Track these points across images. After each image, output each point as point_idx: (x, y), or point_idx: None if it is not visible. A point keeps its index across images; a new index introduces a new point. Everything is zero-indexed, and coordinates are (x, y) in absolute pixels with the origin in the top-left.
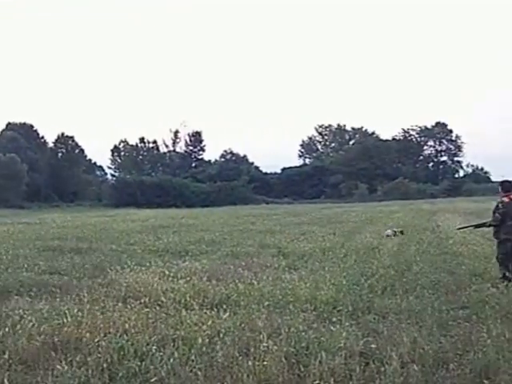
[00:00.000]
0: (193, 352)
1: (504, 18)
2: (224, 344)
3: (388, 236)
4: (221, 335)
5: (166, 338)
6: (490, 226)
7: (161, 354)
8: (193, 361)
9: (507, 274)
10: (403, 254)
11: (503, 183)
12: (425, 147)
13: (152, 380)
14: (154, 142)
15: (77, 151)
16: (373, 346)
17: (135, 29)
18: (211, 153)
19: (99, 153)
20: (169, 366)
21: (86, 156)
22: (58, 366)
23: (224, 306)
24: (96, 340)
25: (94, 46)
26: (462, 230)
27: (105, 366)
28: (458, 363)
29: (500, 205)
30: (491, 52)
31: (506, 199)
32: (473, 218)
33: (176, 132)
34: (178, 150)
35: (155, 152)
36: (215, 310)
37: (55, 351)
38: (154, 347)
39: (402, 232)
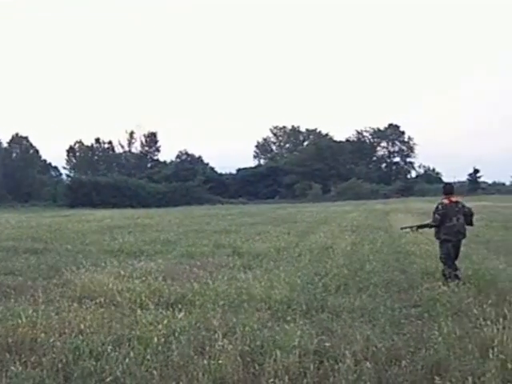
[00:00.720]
0: (148, 351)
1: (449, 24)
2: (179, 343)
3: (403, 228)
4: (176, 334)
5: (122, 338)
6: (431, 226)
7: (116, 353)
8: (148, 360)
9: (456, 272)
10: (356, 254)
11: (445, 186)
12: (378, 148)
13: (107, 380)
14: (110, 142)
15: (31, 151)
16: (327, 344)
17: (89, 29)
18: (166, 153)
19: (54, 153)
20: (124, 366)
21: (40, 156)
22: (12, 367)
23: (179, 306)
24: (51, 340)
25: (50, 46)
26: (412, 230)
27: (60, 366)
28: (410, 360)
29: (440, 206)
30: (444, 53)
31: (445, 201)
32: (425, 217)
33: (131, 133)
34: (133, 150)
35: (110, 153)
36: (170, 309)
37: (9, 352)
38: (110, 347)
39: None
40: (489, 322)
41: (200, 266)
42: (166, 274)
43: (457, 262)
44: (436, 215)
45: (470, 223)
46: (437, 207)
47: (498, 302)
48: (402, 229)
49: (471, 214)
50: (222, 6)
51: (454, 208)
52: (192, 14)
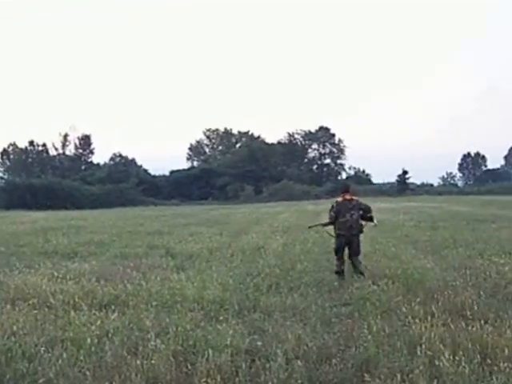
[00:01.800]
0: (81, 352)
1: (377, 25)
2: (113, 344)
3: (310, 227)
4: (109, 335)
5: (55, 339)
6: (331, 223)
7: (49, 355)
8: (81, 361)
9: (341, 268)
10: (288, 254)
11: (342, 186)
12: (309, 150)
13: (40, 381)
14: (44, 145)
15: None
16: (258, 343)
17: (21, 30)
18: (100, 156)
19: None
20: (57, 367)
21: None
22: None
23: (113, 307)
24: None
25: None
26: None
27: None
28: (341, 358)
29: (334, 204)
30: (373, 56)
31: (339, 199)
32: None
33: (65, 135)
34: (67, 153)
35: (45, 155)
36: (104, 310)
37: None
38: (43, 348)
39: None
40: (417, 320)
41: (133, 267)
42: (100, 275)
43: (360, 258)
44: (331, 213)
45: (370, 219)
46: (332, 205)
47: (426, 300)
48: (309, 227)
49: (369, 211)
50: (151, 7)
51: (347, 205)
52: (120, 15)
